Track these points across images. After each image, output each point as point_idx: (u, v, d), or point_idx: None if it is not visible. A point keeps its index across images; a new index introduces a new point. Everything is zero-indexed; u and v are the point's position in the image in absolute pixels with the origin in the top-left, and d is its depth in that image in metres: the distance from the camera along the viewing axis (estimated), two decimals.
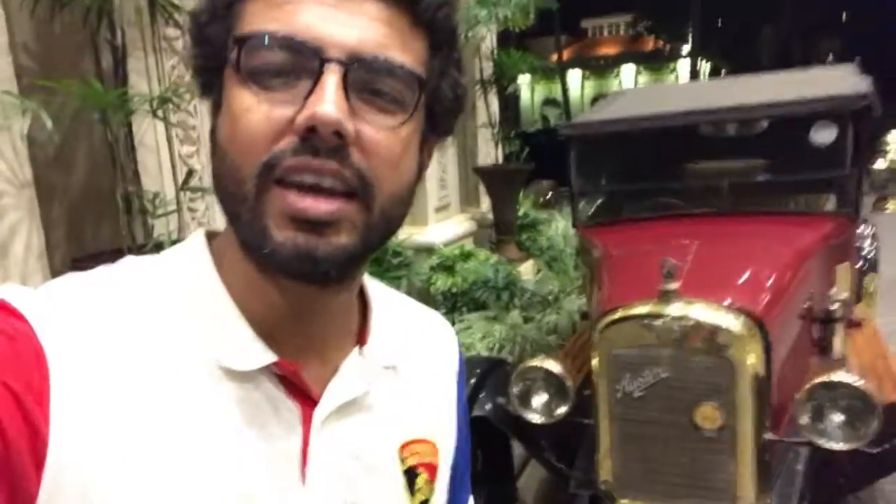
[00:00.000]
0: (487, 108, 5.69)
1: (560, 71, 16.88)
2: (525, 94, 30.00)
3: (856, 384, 1.68)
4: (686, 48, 25.64)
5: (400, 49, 0.50)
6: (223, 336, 0.52)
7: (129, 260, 0.56)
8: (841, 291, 2.46)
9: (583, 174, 3.09)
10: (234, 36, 0.50)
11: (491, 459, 2.32)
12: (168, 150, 2.48)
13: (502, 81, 5.64)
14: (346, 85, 0.48)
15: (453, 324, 4.40)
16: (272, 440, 0.53)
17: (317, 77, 0.47)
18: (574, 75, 30.58)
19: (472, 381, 2.20)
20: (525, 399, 2.06)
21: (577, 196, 3.05)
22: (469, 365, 2.31)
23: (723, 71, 25.29)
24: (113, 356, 0.48)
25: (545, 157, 5.97)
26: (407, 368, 0.64)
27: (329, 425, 0.55)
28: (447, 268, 4.74)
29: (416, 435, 0.63)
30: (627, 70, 31.64)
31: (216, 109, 0.53)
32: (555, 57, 16.15)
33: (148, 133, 2.50)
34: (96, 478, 0.45)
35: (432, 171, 5.13)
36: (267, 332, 0.53)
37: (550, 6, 5.74)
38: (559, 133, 3.05)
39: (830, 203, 2.78)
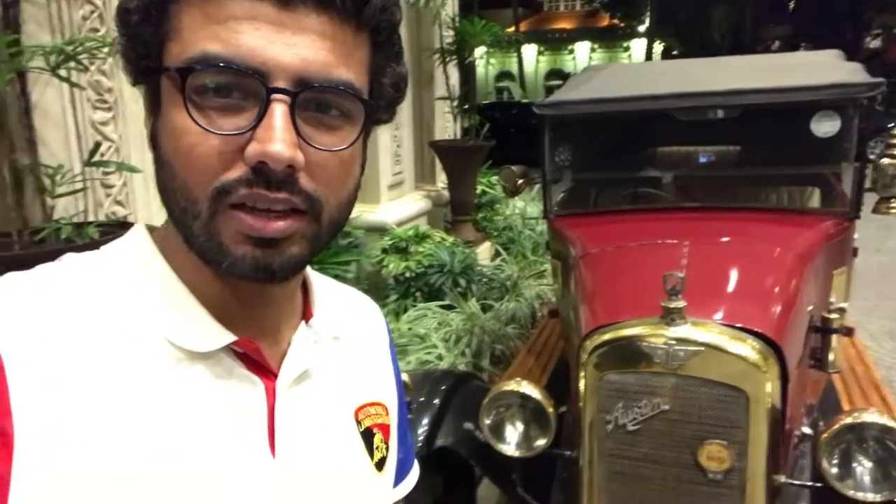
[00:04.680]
0: (447, 79, 5.32)
1: (517, 43, 16.52)
2: (480, 67, 29.60)
3: (891, 425, 1.44)
4: (642, 28, 25.60)
5: (345, 65, 0.51)
6: (180, 320, 0.54)
7: (71, 257, 0.56)
8: (839, 300, 2.24)
9: (556, 158, 2.78)
10: (177, 67, 0.49)
11: (451, 487, 2.02)
12: (73, 117, 2.06)
13: (463, 52, 5.28)
14: (293, 113, 0.49)
15: (405, 311, 4.10)
16: (238, 416, 0.54)
17: (264, 106, 0.48)
18: (529, 50, 30.32)
19: (436, 400, 1.89)
20: (499, 430, 1.77)
21: (549, 183, 2.75)
22: (432, 381, 2.00)
23: (674, 52, 25.38)
24: (71, 348, 0.48)
25: (502, 132, 5.68)
26: (348, 339, 0.68)
27: (291, 396, 0.58)
28: (400, 250, 4.43)
29: (369, 398, 0.68)
30: (582, 47, 31.54)
31: (153, 112, 0.53)
32: (511, 29, 15.79)
33: (49, 95, 2.07)
34: (66, 466, 0.46)
35: (386, 146, 4.77)
36: (220, 315, 0.55)
37: None
38: (531, 111, 2.72)
39: (827, 200, 2.55)
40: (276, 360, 0.59)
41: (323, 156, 0.51)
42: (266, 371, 0.57)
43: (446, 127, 5.73)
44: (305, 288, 0.66)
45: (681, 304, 1.52)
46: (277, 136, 0.47)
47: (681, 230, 2.18)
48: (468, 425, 1.82)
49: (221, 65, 0.47)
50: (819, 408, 2.30)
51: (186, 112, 0.48)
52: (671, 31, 24.42)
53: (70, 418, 0.47)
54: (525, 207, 6.29)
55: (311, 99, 0.50)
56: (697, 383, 1.52)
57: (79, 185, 2.04)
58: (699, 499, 1.56)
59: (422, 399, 1.89)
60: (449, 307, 4.17)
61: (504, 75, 30.43)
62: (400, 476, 0.74)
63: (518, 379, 1.82)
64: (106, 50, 2.00)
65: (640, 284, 1.67)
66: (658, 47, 25.82)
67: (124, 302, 0.53)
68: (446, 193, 5.44)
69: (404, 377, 1.85)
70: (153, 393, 0.50)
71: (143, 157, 2.55)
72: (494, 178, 5.77)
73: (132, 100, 2.52)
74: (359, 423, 0.65)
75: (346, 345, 0.67)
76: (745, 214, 2.40)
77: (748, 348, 1.51)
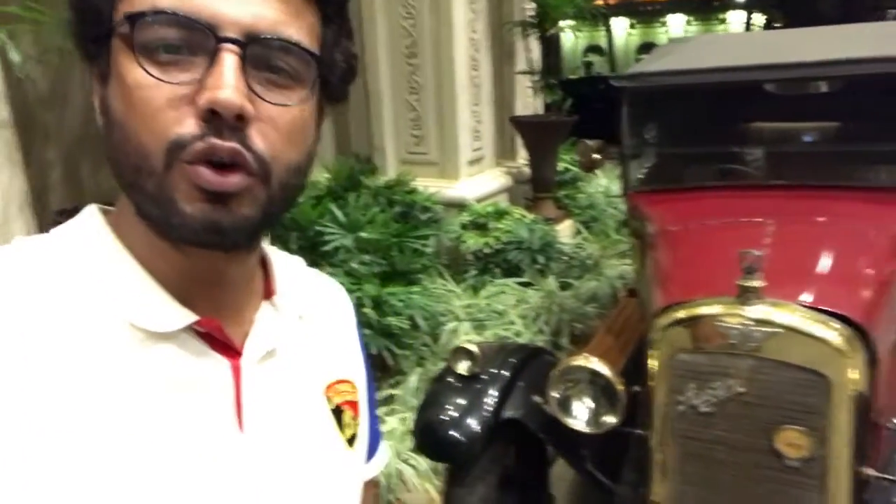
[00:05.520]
0: (528, 53, 5.23)
1: (605, 17, 16.00)
2: (567, 41, 28.94)
3: None
4: None
5: (295, 26, 0.52)
6: (140, 301, 0.53)
7: (19, 241, 0.55)
8: None
9: (636, 133, 2.70)
10: (126, 14, 0.49)
11: (524, 460, 2.02)
12: None
13: (545, 24, 5.17)
14: (244, 64, 0.49)
15: (484, 286, 4.12)
16: (204, 394, 0.55)
17: (214, 56, 0.48)
18: (619, 23, 29.35)
19: (506, 372, 1.89)
20: (566, 404, 1.76)
21: (629, 158, 2.67)
22: (503, 353, 2.01)
23: (776, 26, 23.94)
24: (28, 334, 0.48)
25: (587, 108, 5.54)
26: (313, 318, 0.68)
27: (257, 373, 0.58)
28: (479, 226, 4.44)
29: (337, 376, 0.68)
30: (676, 19, 30.26)
31: (103, 79, 0.53)
32: (600, 1, 15.30)
33: None
34: (32, 454, 0.46)
35: (465, 121, 4.76)
36: (179, 295, 0.55)
37: None
38: (611, 84, 2.64)
39: None
40: (240, 340, 0.59)
41: (272, 112, 0.51)
42: (230, 350, 0.57)
43: (528, 102, 5.65)
44: (266, 268, 0.65)
45: (757, 283, 1.45)
46: (227, 83, 0.47)
47: (768, 209, 2.08)
48: (537, 398, 1.82)
49: (167, 12, 0.47)
50: None
51: (137, 63, 0.48)
52: (773, 2, 23.03)
53: (33, 405, 0.46)
54: (608, 185, 6.14)
55: (261, 56, 0.50)
56: (775, 366, 1.46)
57: None
58: (777, 486, 1.51)
59: (492, 370, 1.90)
60: (527, 284, 4.16)
61: (593, 49, 29.59)
62: (370, 454, 0.74)
63: (587, 354, 1.80)
64: None
65: (719, 262, 1.61)
66: (760, 20, 24.45)
67: (80, 285, 0.52)
68: (527, 170, 5.38)
69: (473, 348, 1.88)
70: (117, 375, 0.50)
71: None
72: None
73: None
74: (329, 399, 0.66)
75: (312, 324, 0.67)
76: (840, 193, 2.26)
77: (831, 331, 1.44)
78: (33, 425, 0.46)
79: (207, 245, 0.52)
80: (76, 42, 0.54)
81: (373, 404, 0.77)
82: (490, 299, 3.95)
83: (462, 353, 1.89)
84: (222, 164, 0.49)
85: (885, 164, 2.58)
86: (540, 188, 5.22)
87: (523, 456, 2.01)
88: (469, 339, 3.35)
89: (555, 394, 1.76)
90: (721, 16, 29.10)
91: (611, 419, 1.72)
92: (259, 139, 0.50)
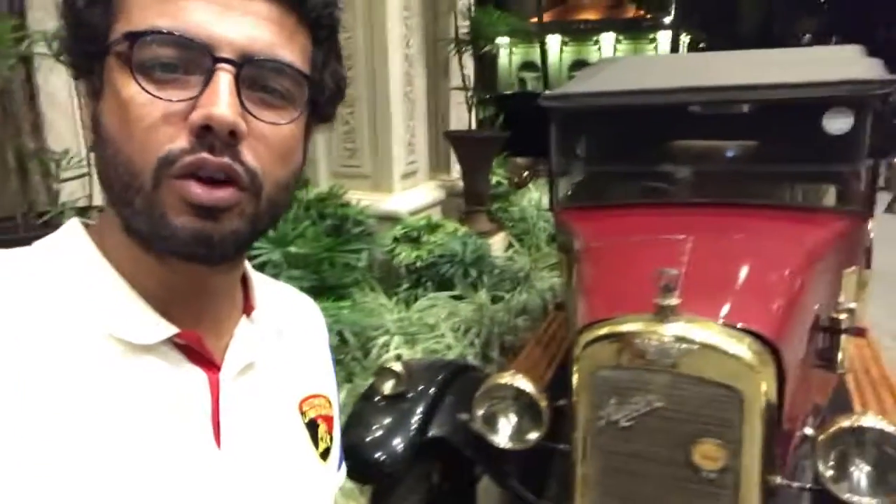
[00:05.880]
0: (462, 69, 5.28)
1: (539, 34, 16.32)
2: (503, 58, 29.38)
3: (889, 430, 1.41)
4: (668, 19, 25.24)
5: (288, 48, 0.53)
6: (120, 313, 0.53)
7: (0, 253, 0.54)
8: (849, 299, 2.20)
9: (564, 151, 2.75)
10: (125, 33, 0.49)
11: (450, 477, 2.01)
12: (78, 103, 2.08)
13: (479, 42, 5.23)
14: (238, 84, 0.50)
15: (416, 300, 4.10)
16: (183, 408, 0.55)
17: (209, 75, 0.49)
18: (553, 40, 30.01)
19: (431, 390, 1.88)
20: (491, 421, 1.76)
21: (557, 175, 2.72)
22: (428, 370, 2.00)
23: (701, 45, 24.98)
24: (6, 347, 0.48)
25: (521, 123, 5.62)
26: (290, 333, 0.69)
27: (235, 388, 0.59)
28: (412, 239, 4.43)
29: (312, 390, 0.69)
30: (607, 38, 31.18)
31: (96, 95, 0.53)
32: (535, 20, 15.61)
33: (55, 81, 2.08)
34: (9, 466, 0.45)
35: (400, 135, 4.75)
36: (160, 307, 0.55)
37: None
38: (540, 103, 2.69)
39: (842, 198, 2.50)
40: (220, 353, 0.59)
41: (265, 130, 0.52)
42: (209, 363, 0.58)
43: (462, 117, 5.70)
44: (246, 283, 0.66)
45: (674, 301, 1.49)
46: (222, 101, 0.48)
47: (687, 225, 2.15)
48: (463, 416, 1.82)
49: (166, 32, 0.48)
50: (829, 408, 2.27)
51: (134, 80, 0.49)
52: (697, 23, 24.05)
53: (11, 417, 0.46)
54: (540, 198, 6.24)
55: (255, 76, 0.51)
56: (691, 381, 1.50)
57: (84, 170, 2.06)
58: (693, 497, 1.55)
59: (418, 388, 1.88)
60: (459, 297, 4.17)
61: (528, 66, 30.15)
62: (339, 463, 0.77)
63: (512, 372, 1.81)
64: None
65: (638, 280, 1.65)
66: (685, 39, 25.46)
67: (61, 297, 0.52)
68: (461, 184, 5.42)
69: (397, 366, 1.86)
70: (95, 387, 0.50)
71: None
72: None
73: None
74: (303, 414, 0.66)
75: (288, 339, 0.68)
76: (756, 211, 2.36)
77: (743, 347, 1.49)
78: (8, 437, 0.46)
79: (196, 257, 0.52)
80: (67, 57, 0.55)
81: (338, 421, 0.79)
82: (422, 313, 3.95)
83: (387, 372, 1.87)
84: (212, 180, 0.50)
85: (799, 184, 2.71)
86: (473, 202, 5.26)
87: (450, 473, 2.00)
88: (400, 353, 3.33)
89: (480, 411, 1.76)
90: (650, 35, 30.17)
91: (534, 435, 1.73)
92: (251, 156, 0.52)
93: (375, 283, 4.16)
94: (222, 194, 0.50)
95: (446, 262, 4.28)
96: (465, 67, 5.32)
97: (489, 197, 5.49)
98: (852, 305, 2.12)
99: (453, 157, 5.55)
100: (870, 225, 3.05)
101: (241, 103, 0.50)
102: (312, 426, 0.67)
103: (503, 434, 1.76)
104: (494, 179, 5.69)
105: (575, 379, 1.65)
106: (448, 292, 4.17)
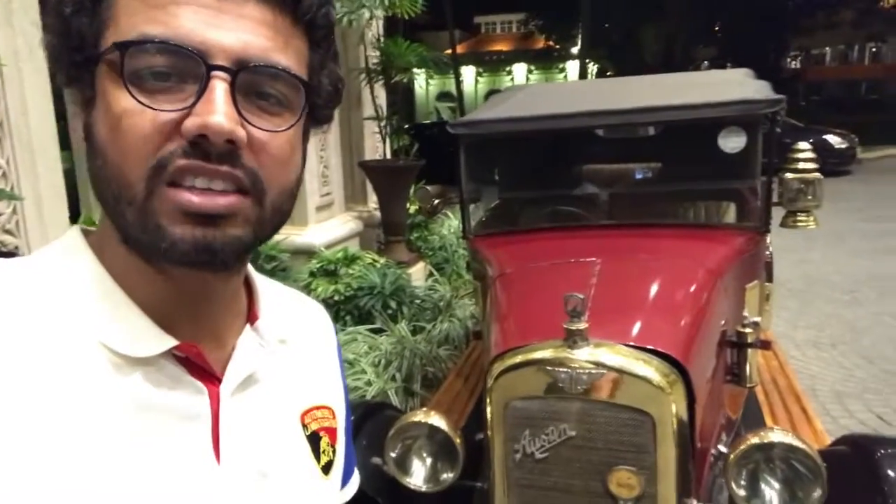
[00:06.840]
0: (374, 99, 5.26)
1: (454, 64, 16.59)
2: (420, 88, 29.74)
3: (797, 444, 1.42)
4: (575, 49, 26.18)
5: (283, 52, 0.51)
6: (119, 325, 0.52)
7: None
8: (753, 313, 2.25)
9: (473, 177, 2.74)
10: (116, 42, 0.48)
11: None
12: None
13: (390, 72, 5.22)
14: (234, 91, 0.48)
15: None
16: (182, 423, 0.53)
17: (204, 84, 0.48)
18: (468, 71, 30.68)
19: None
20: (404, 463, 1.68)
21: (467, 202, 2.71)
22: None
23: (608, 73, 26.01)
24: (4, 358, 0.47)
25: (437, 152, 5.63)
26: (295, 342, 0.67)
27: (235, 401, 0.57)
28: (329, 273, 4.33)
29: (315, 402, 0.67)
30: (519, 68, 32.08)
31: (87, 105, 0.52)
32: (449, 51, 15.85)
33: None
34: (4, 482, 0.44)
35: (313, 167, 4.66)
36: (161, 318, 0.53)
37: None
38: (448, 130, 2.67)
39: (741, 215, 2.58)
40: (221, 365, 0.58)
41: (263, 137, 0.50)
42: (210, 376, 0.56)
43: (377, 147, 5.66)
44: (250, 290, 0.64)
45: (582, 325, 1.47)
46: (218, 109, 0.47)
47: (596, 248, 2.15)
48: (375, 460, 1.73)
49: (159, 41, 0.47)
50: (742, 422, 2.30)
51: (125, 89, 0.47)
52: (603, 53, 25.07)
53: (6, 431, 0.45)
54: (459, 226, 6.24)
55: (251, 83, 0.50)
56: (602, 407, 1.47)
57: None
58: None
59: None
60: (379, 330, 4.08)
61: (444, 95, 30.62)
62: (345, 479, 0.73)
63: (426, 409, 1.74)
64: None
65: (549, 305, 1.62)
66: (593, 68, 26.46)
67: (59, 308, 0.51)
68: (378, 214, 5.36)
69: None
70: (92, 401, 0.49)
71: (34, 185, 2.39)
72: None
73: (22, 123, 2.37)
74: (305, 426, 0.64)
75: (293, 348, 0.66)
76: (660, 231, 2.40)
77: (651, 370, 1.47)
78: (4, 451, 0.44)
79: (198, 265, 0.51)
80: (56, 66, 0.53)
81: (350, 430, 0.75)
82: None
83: None
84: (209, 190, 0.48)
85: (701, 202, 2.79)
86: (391, 231, 5.21)
87: None
88: None
89: (392, 453, 1.67)
90: (560, 65, 31.28)
91: (449, 475, 1.66)
92: (252, 162, 0.50)
93: None
94: (224, 201, 0.49)
95: (365, 294, 4.20)
96: (377, 97, 5.30)
97: (407, 226, 5.45)
98: (757, 319, 2.17)
99: (369, 188, 5.50)
100: (768, 240, 3.17)
101: (239, 112, 0.48)
102: (314, 439, 0.65)
103: (417, 476, 1.68)
104: (412, 208, 5.66)
105: (489, 411, 1.60)
106: (368, 325, 4.08)
